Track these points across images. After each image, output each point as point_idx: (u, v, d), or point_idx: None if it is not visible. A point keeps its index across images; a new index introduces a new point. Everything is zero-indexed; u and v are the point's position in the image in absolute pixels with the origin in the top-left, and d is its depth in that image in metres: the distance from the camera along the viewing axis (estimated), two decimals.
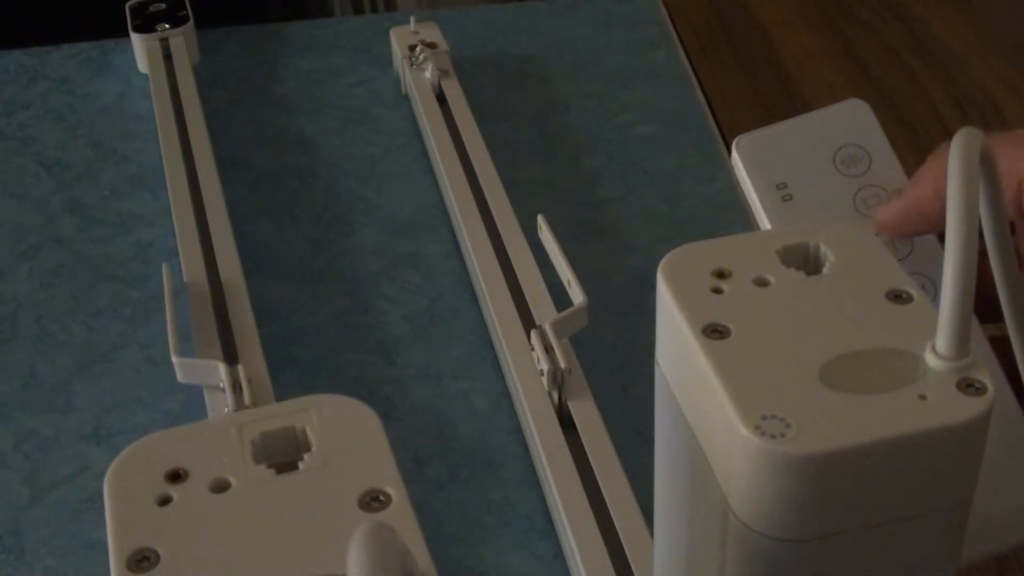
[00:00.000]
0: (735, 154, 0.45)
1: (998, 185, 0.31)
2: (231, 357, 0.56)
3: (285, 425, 0.30)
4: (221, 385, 0.54)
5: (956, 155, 0.29)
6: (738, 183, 0.46)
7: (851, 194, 0.44)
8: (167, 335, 0.54)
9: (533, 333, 0.56)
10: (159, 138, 0.72)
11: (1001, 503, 0.40)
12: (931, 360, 0.29)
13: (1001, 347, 0.39)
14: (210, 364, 0.54)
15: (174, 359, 0.54)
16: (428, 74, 0.76)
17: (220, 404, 0.54)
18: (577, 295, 0.57)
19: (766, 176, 0.45)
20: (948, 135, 0.30)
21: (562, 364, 0.54)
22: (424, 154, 0.74)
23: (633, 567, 0.48)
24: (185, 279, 0.61)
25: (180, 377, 0.55)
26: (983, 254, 0.31)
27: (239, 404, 0.52)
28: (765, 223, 0.44)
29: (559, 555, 0.52)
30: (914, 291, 0.31)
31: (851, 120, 0.45)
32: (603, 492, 0.51)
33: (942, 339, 0.29)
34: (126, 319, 0.63)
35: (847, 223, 0.34)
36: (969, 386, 0.28)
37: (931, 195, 0.42)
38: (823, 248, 0.33)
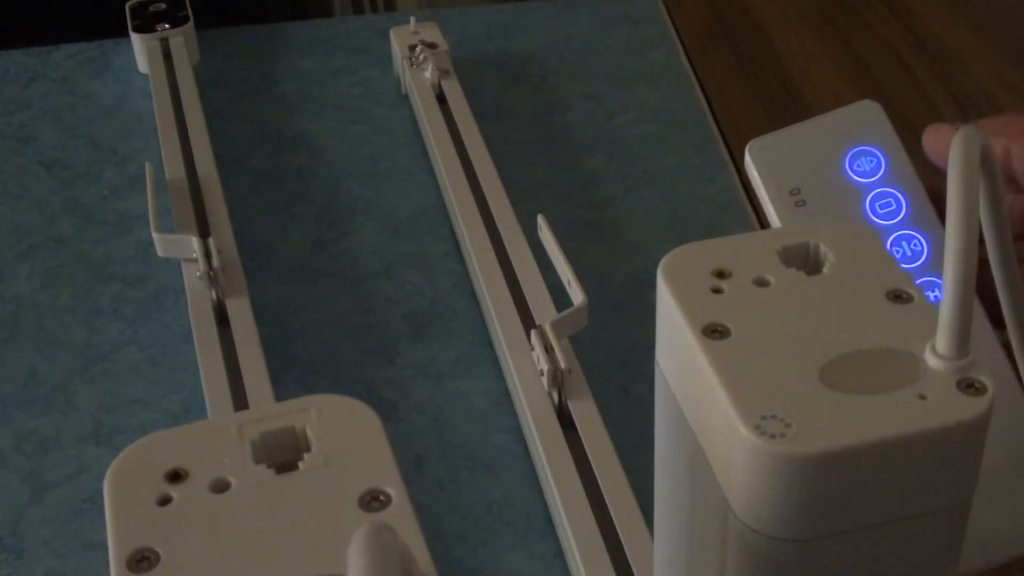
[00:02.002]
0: (748, 159, 0.45)
1: (998, 185, 0.31)
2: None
3: (285, 425, 0.30)
4: (194, 255, 0.60)
5: (956, 155, 0.29)
6: (752, 187, 0.45)
7: (864, 198, 0.44)
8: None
9: (533, 333, 0.56)
10: (159, 138, 0.72)
11: (1008, 514, 0.40)
12: (931, 360, 0.29)
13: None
14: (184, 238, 0.62)
15: (154, 235, 0.61)
16: (428, 74, 0.76)
17: (194, 272, 0.61)
18: (577, 295, 0.57)
19: (779, 181, 0.44)
20: None
21: (562, 364, 0.54)
22: (424, 154, 0.74)
23: (633, 567, 0.48)
24: (186, 280, 0.62)
25: (160, 251, 0.62)
26: (984, 262, 0.31)
27: (210, 267, 0.60)
28: None
29: (559, 555, 0.52)
30: (914, 291, 0.31)
31: (863, 122, 0.45)
32: (603, 492, 0.51)
33: (942, 339, 0.29)
34: (126, 319, 0.63)
35: (847, 223, 0.34)
36: (969, 386, 0.28)
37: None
38: (823, 248, 0.33)
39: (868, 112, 0.45)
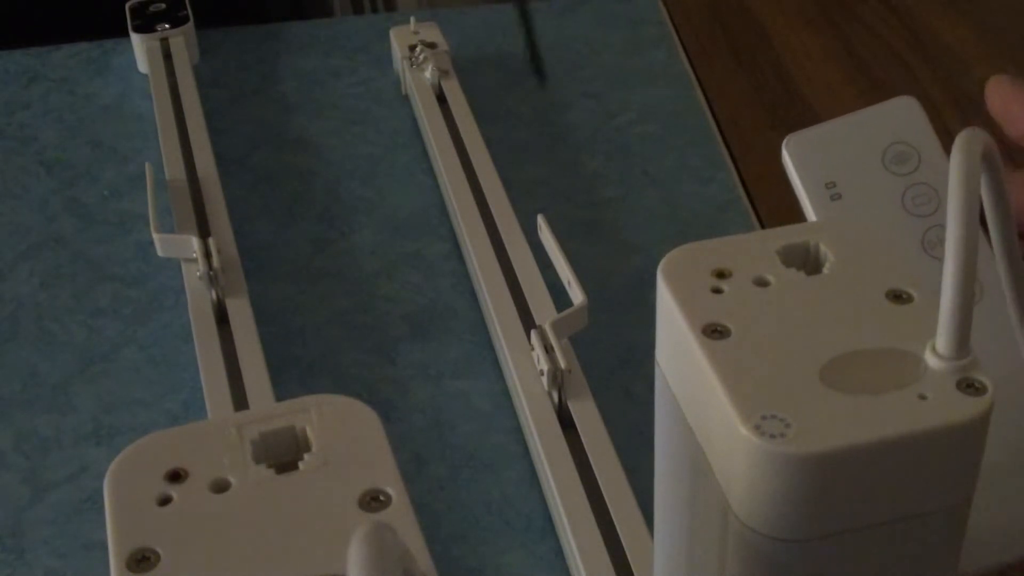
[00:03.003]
0: (784, 153, 0.45)
1: (1002, 185, 0.31)
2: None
3: (285, 425, 0.30)
4: (194, 255, 0.61)
5: (957, 155, 0.29)
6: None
7: (900, 193, 0.44)
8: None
9: (533, 333, 0.56)
10: (159, 138, 0.72)
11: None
12: (931, 360, 0.29)
13: None
14: (185, 238, 0.62)
15: (154, 235, 0.62)
16: (428, 74, 0.76)
17: (194, 272, 0.61)
18: (577, 295, 0.57)
19: (815, 175, 0.44)
20: (948, 135, 0.30)
21: (562, 364, 0.54)
22: (424, 154, 0.74)
23: (633, 567, 0.48)
24: (186, 280, 0.62)
25: (160, 251, 0.62)
26: None
27: (210, 267, 0.60)
28: None
29: (559, 555, 0.52)
30: (914, 291, 0.31)
31: (900, 118, 0.45)
32: (603, 492, 0.51)
33: (942, 339, 0.29)
34: (126, 319, 0.63)
35: (845, 222, 0.34)
36: (969, 386, 0.28)
37: None
38: (823, 248, 0.33)
39: (905, 107, 0.45)
